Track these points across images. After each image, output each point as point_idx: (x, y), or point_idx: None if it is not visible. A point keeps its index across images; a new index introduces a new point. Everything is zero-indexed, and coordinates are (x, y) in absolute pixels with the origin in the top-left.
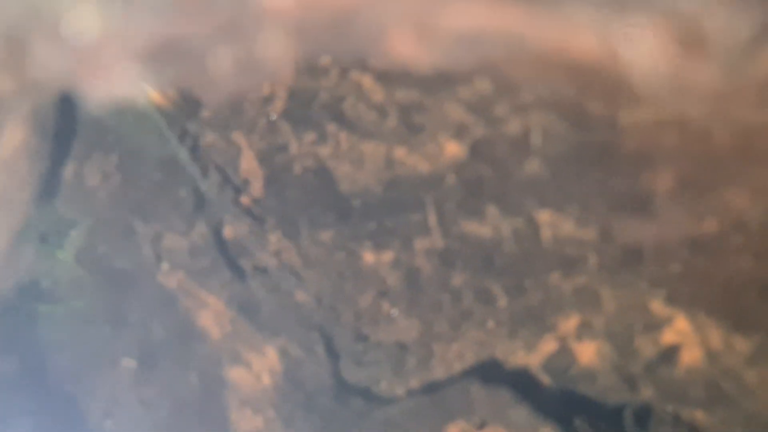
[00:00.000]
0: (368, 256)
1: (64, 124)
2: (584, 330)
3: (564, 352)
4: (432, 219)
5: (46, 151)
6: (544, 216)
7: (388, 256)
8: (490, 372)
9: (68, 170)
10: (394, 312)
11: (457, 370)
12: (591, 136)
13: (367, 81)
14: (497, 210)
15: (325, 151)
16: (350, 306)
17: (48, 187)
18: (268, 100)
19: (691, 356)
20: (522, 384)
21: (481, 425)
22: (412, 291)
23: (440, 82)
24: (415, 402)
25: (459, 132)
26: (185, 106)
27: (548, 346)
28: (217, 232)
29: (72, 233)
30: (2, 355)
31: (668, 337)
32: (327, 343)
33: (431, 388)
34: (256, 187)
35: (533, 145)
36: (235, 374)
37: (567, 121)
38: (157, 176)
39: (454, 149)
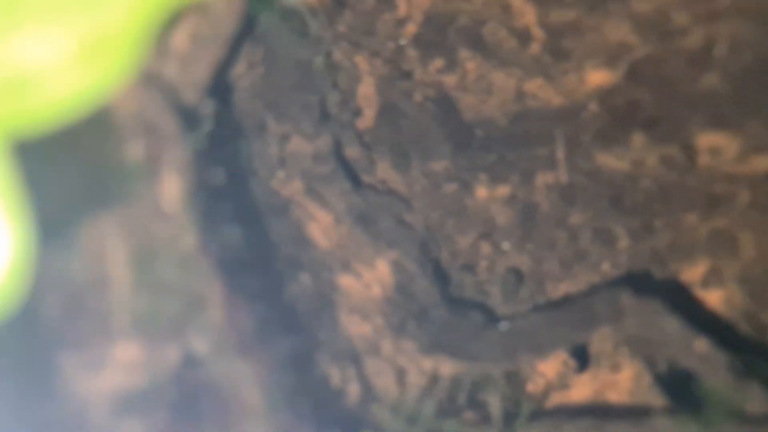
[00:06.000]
0: (481, 191)
1: None
2: (712, 277)
3: (685, 297)
4: (560, 153)
5: None
6: (706, 140)
7: (503, 190)
8: (640, 283)
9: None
10: (506, 245)
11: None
12: None
13: (518, 1)
14: (646, 138)
15: (450, 79)
16: (449, 245)
17: None
18: (401, 22)
19: None
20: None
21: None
22: (526, 227)
23: None
24: (545, 315)
25: (614, 56)
26: (331, 11)
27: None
28: (339, 144)
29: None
30: None
31: None
32: (435, 265)
33: (568, 300)
34: (369, 116)
35: (716, 58)
36: (346, 281)
37: (765, 28)
38: (294, 76)
39: (600, 77)
